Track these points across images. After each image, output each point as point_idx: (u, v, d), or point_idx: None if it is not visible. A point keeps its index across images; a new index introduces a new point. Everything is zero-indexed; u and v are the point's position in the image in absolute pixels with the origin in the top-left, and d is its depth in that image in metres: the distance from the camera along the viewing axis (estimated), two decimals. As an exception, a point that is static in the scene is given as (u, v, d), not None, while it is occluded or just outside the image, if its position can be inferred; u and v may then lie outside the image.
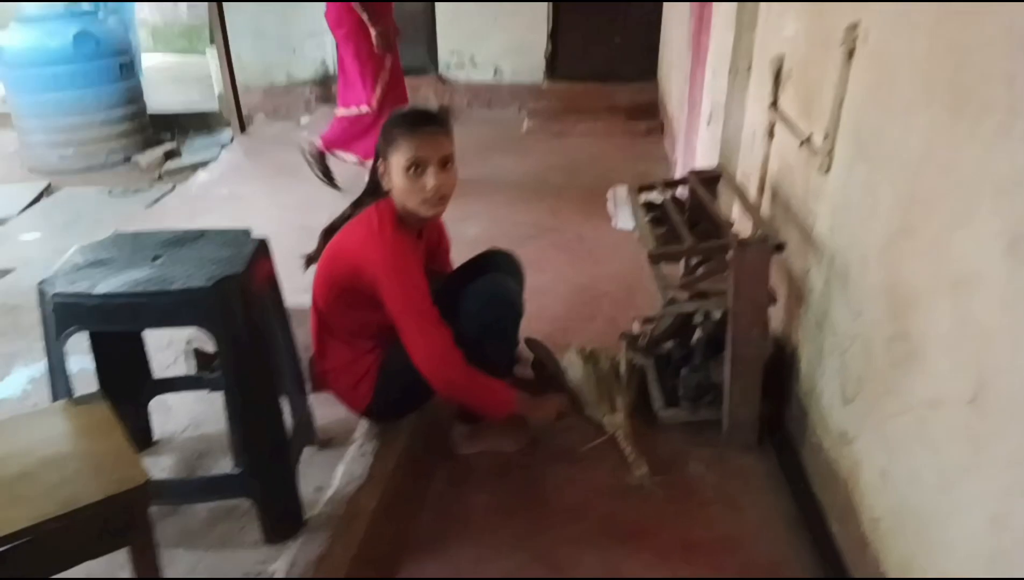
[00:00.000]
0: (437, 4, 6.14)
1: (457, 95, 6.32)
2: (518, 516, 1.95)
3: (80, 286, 1.43)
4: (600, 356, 2.47)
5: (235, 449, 1.64)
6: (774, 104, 2.41)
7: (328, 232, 1.94)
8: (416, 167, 1.75)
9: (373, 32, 4.12)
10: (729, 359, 2.08)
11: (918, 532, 1.40)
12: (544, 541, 1.88)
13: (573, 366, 2.42)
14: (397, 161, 1.76)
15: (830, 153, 1.90)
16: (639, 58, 6.24)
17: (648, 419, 2.31)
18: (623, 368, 2.43)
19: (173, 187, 4.96)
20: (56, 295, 1.42)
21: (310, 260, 1.97)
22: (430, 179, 1.76)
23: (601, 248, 3.66)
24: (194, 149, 5.97)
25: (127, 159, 5.62)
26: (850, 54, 1.78)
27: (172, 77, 8.23)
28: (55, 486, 1.13)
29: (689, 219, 2.51)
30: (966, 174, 1.26)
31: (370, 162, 1.91)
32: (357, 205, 1.93)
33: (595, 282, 3.32)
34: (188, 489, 1.74)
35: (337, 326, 1.93)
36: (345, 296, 1.85)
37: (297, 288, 2.05)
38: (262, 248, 1.69)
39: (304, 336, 2.36)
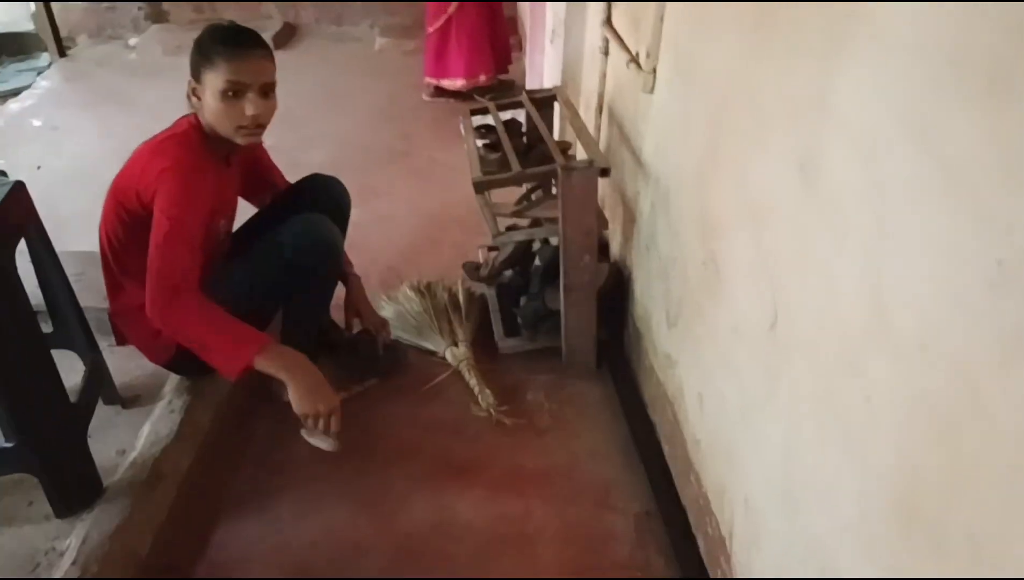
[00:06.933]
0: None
1: (304, 11, 5.88)
2: (345, 462, 1.85)
3: None
4: (437, 288, 2.38)
5: (3, 419, 1.45)
6: (607, 21, 2.31)
7: None
8: (234, 91, 1.58)
9: None
10: (563, 286, 2.03)
11: (727, 457, 1.41)
12: (372, 485, 1.81)
13: (409, 301, 2.32)
14: (213, 81, 1.57)
15: (653, 72, 1.84)
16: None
17: (491, 350, 2.25)
18: (462, 298, 2.35)
19: (-22, 119, 4.40)
20: None
21: None
22: (249, 106, 1.59)
23: (454, 172, 3.50)
24: (6, 76, 5.30)
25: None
26: (667, -36, 1.70)
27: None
28: None
29: (527, 143, 2.42)
30: (762, 96, 1.21)
31: None
32: None
33: (445, 208, 3.21)
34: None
35: (130, 263, 1.71)
36: (135, 227, 1.63)
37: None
38: (16, 191, 1.46)
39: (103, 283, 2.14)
